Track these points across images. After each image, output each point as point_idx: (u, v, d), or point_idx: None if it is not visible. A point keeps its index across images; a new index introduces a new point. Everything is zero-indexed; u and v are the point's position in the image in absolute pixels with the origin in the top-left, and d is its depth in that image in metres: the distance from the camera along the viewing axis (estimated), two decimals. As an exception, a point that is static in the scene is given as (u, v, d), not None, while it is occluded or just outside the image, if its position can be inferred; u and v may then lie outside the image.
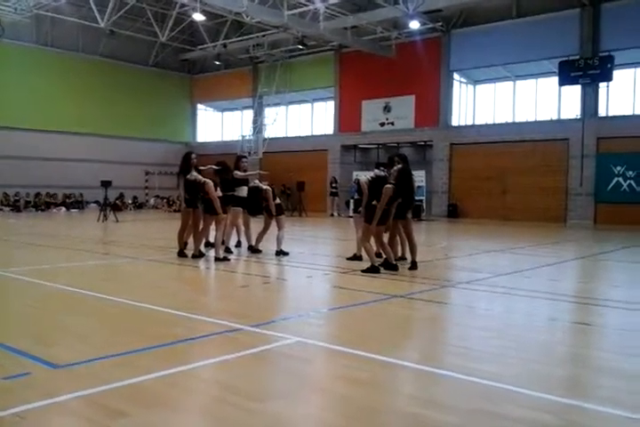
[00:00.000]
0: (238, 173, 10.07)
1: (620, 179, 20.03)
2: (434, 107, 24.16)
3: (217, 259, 8.97)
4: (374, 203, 8.03)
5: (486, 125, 23.60)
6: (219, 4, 19.88)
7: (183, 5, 22.26)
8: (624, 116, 20.27)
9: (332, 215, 24.81)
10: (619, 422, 3.01)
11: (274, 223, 9.90)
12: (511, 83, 23.69)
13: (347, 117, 27.02)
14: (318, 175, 27.06)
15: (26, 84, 26.22)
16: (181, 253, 9.51)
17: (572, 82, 20.39)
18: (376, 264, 7.99)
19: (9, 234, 14.14)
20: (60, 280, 7.01)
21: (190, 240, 9.74)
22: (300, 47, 25.29)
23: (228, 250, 10.06)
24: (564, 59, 20.64)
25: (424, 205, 22.81)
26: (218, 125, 33.92)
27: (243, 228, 10.65)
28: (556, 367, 3.94)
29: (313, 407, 3.21)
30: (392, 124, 25.37)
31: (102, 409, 3.03)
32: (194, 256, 9.33)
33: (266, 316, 5.38)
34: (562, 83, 20.79)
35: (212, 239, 10.10)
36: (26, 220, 20.50)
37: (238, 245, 10.98)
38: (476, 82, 24.83)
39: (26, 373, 3.55)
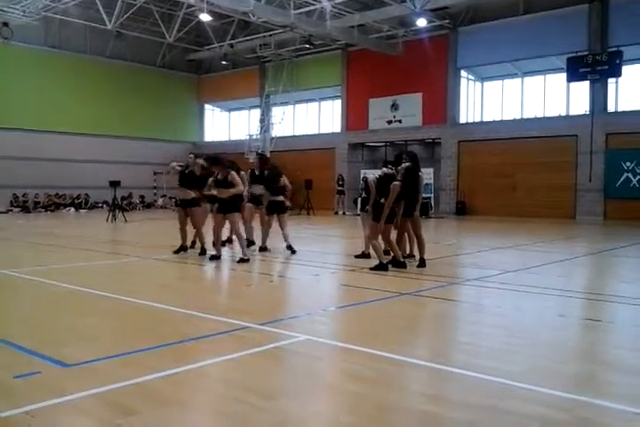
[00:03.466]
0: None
1: (630, 174, 19.89)
2: (441, 104, 24.10)
3: (242, 260, 8.75)
4: (382, 201, 8.03)
5: (494, 122, 23.49)
6: (225, 4, 19.89)
7: (190, 6, 22.30)
8: (633, 111, 20.11)
9: (337, 213, 24.80)
10: (630, 418, 2.99)
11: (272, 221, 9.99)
12: (519, 79, 23.58)
13: (354, 116, 26.99)
14: (326, 173, 27.05)
15: (34, 86, 26.38)
16: (181, 250, 9.71)
17: (581, 78, 20.26)
18: (384, 262, 7.98)
19: (18, 235, 14.23)
20: (68, 280, 7.04)
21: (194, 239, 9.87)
22: (307, 46, 25.25)
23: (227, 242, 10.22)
24: (573, 55, 20.52)
25: (432, 202, 22.76)
26: (225, 125, 34.00)
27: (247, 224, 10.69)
28: (566, 364, 3.92)
29: (323, 405, 3.21)
30: (399, 121, 25.32)
31: (112, 407, 3.05)
32: (200, 254, 9.45)
33: (274, 314, 5.38)
34: (570, 79, 20.67)
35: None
36: (35, 220, 20.62)
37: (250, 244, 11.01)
38: (483, 79, 24.73)
39: (36, 372, 3.58)
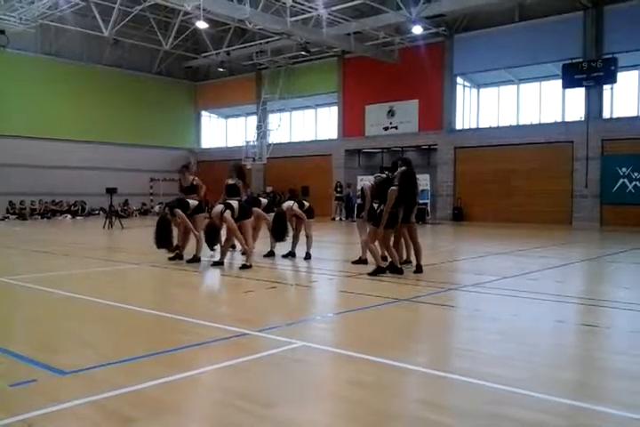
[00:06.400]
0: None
1: (626, 180, 19.96)
2: (438, 111, 24.17)
3: (244, 266, 8.74)
4: (382, 207, 8.02)
5: (490, 129, 23.57)
6: (222, 12, 19.97)
7: (186, 13, 22.38)
8: (628, 117, 20.21)
9: (334, 219, 24.80)
10: (628, 424, 2.98)
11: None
12: (515, 86, 23.68)
13: (350, 122, 27.06)
14: (322, 180, 27.08)
15: (31, 94, 26.39)
16: (176, 258, 9.70)
17: (576, 84, 20.37)
18: (382, 265, 7.97)
19: (15, 242, 14.19)
20: (65, 287, 7.02)
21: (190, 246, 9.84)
22: (304, 53, 25.37)
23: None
24: (568, 61, 20.64)
25: (429, 208, 22.78)
26: (222, 132, 34.05)
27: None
28: (565, 370, 3.91)
29: (320, 412, 3.19)
30: (396, 128, 25.39)
31: (109, 415, 3.03)
32: (189, 261, 9.43)
33: (271, 321, 5.37)
34: (566, 85, 20.77)
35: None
36: (31, 227, 20.57)
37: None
38: (479, 85, 24.83)
39: (32, 380, 3.55)
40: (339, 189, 25.46)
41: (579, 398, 3.32)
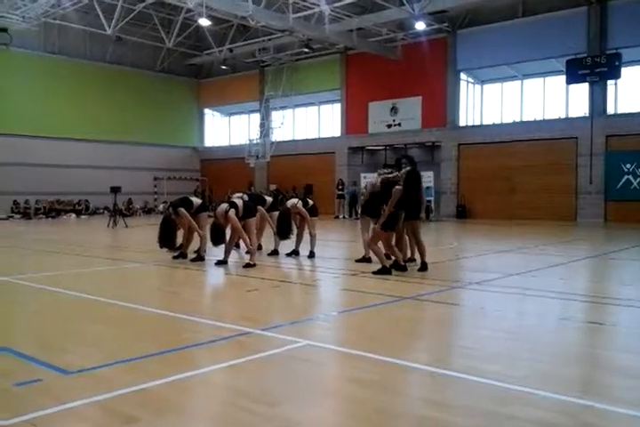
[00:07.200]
0: None
1: (630, 176, 19.89)
2: (441, 107, 24.12)
3: (248, 265, 8.74)
4: (384, 207, 7.99)
5: (494, 125, 23.52)
6: (224, 9, 19.97)
7: (189, 11, 22.35)
8: (633, 113, 20.14)
9: (338, 217, 24.78)
10: (632, 422, 2.97)
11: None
12: (518, 82, 23.62)
13: (354, 119, 27.02)
14: (326, 178, 27.07)
15: (34, 92, 26.45)
16: (180, 256, 9.69)
17: (580, 80, 20.31)
18: (387, 266, 7.96)
19: (20, 241, 14.22)
20: (69, 286, 7.03)
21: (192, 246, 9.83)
22: (306, 50, 25.33)
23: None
24: (572, 57, 20.57)
25: (433, 205, 22.75)
26: (225, 130, 34.03)
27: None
28: (568, 368, 3.90)
29: (324, 411, 3.19)
30: (399, 125, 25.35)
31: (113, 415, 3.03)
32: (193, 260, 9.42)
33: (275, 319, 5.37)
34: (569, 81, 20.71)
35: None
36: (36, 227, 20.62)
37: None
38: (483, 82, 24.76)
39: (37, 379, 3.56)
40: (340, 187, 25.44)
41: (583, 396, 3.30)
